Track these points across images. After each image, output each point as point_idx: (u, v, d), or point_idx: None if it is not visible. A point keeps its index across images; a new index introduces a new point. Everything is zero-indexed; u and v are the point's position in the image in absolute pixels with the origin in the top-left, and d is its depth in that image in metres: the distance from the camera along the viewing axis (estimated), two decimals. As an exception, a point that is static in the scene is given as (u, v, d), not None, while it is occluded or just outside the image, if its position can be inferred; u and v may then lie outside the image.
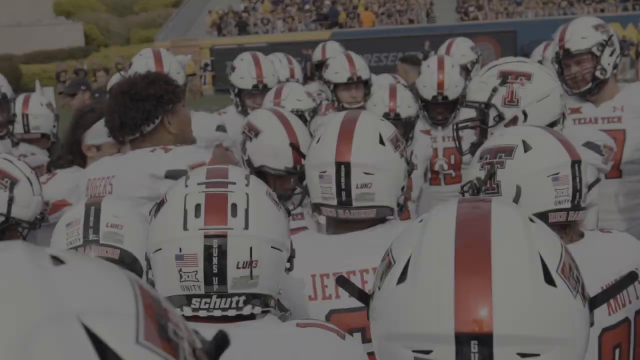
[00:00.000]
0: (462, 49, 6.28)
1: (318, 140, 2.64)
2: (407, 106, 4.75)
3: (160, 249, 1.93)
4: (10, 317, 0.70)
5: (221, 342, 0.87)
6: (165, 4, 49.44)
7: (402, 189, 2.63)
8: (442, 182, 5.25)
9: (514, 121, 3.25)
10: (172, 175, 2.99)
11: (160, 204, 2.00)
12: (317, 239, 2.69)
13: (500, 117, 3.26)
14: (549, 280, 1.32)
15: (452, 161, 5.19)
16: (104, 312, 0.75)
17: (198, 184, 1.96)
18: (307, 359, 1.93)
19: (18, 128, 5.22)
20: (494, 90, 3.27)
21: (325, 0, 38.66)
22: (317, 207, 2.65)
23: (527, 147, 2.35)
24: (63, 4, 49.52)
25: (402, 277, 1.37)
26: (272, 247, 1.95)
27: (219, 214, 1.90)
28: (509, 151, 2.36)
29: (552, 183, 2.30)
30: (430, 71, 5.17)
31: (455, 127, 3.59)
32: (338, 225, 2.62)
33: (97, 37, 46.67)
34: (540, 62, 4.96)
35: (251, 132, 3.53)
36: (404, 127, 4.74)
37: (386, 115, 4.66)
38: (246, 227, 1.90)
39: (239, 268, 1.89)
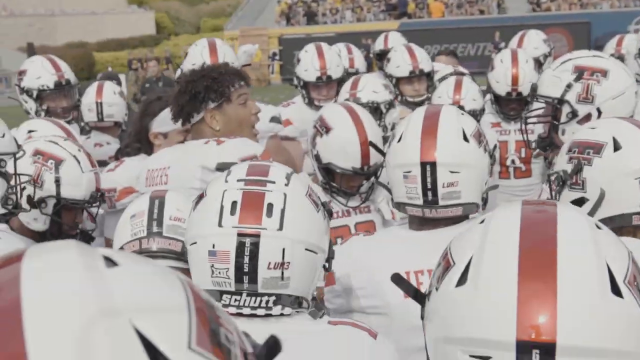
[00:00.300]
0: (534, 42, 6.13)
1: (400, 139, 2.58)
2: (471, 99, 4.67)
3: (195, 243, 1.95)
4: (65, 318, 0.70)
5: (272, 346, 0.86)
6: (235, -6, 49.84)
7: (486, 183, 2.59)
8: (512, 175, 5.15)
9: (587, 118, 3.14)
10: (222, 167, 2.98)
11: (200, 197, 2.01)
12: (407, 236, 2.63)
13: (573, 114, 3.15)
14: (616, 291, 1.25)
15: (523, 154, 5.08)
16: (156, 316, 0.74)
17: (237, 180, 1.96)
18: (337, 356, 1.91)
19: (92, 116, 5.33)
20: (569, 86, 3.15)
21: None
22: (401, 206, 2.61)
23: (617, 146, 2.28)
24: (136, -7, 50.35)
25: (462, 279, 1.32)
26: (306, 249, 1.93)
27: (254, 213, 1.89)
28: (598, 148, 2.30)
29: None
30: (504, 67, 5.04)
31: (524, 120, 3.49)
32: (422, 222, 2.58)
33: (168, 25, 47.41)
34: (613, 55, 4.80)
35: (322, 127, 3.48)
36: None
37: None
38: (280, 228, 1.89)
39: (270, 269, 1.88)
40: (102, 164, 4.38)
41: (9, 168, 2.74)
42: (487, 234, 1.34)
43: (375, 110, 4.32)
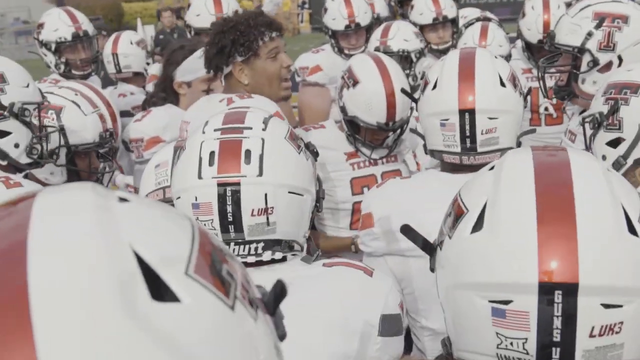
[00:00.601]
0: None
1: (435, 86, 2.54)
2: (498, 45, 4.62)
3: (179, 197, 1.94)
4: (68, 255, 0.72)
5: (279, 291, 0.88)
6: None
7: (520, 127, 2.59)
8: (543, 122, 5.09)
9: (607, 67, 3.09)
10: None
11: (180, 150, 2.00)
12: (445, 178, 2.57)
13: (594, 63, 3.10)
14: (632, 230, 1.26)
15: (554, 101, 5.00)
16: (157, 244, 0.77)
17: (214, 130, 1.95)
18: (332, 297, 1.91)
19: (110, 68, 5.36)
20: (589, 34, 3.08)
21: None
22: (436, 154, 2.58)
23: None
24: (163, -59, 49.99)
25: (478, 225, 1.32)
26: (289, 192, 1.92)
27: (232, 162, 1.88)
28: (635, 88, 2.32)
29: None
30: (536, 13, 4.94)
31: (542, 68, 3.40)
32: (457, 168, 2.54)
33: (196, -26, 47.08)
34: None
35: (350, 79, 3.41)
36: None
37: None
38: (260, 174, 1.88)
39: (254, 215, 1.88)
40: (126, 114, 4.41)
41: (34, 119, 2.76)
42: (501, 180, 1.34)
43: (406, 58, 4.27)
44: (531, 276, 1.22)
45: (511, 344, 1.26)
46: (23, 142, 2.75)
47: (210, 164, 1.89)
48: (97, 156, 3.31)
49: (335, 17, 5.27)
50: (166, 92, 3.83)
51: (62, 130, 3.09)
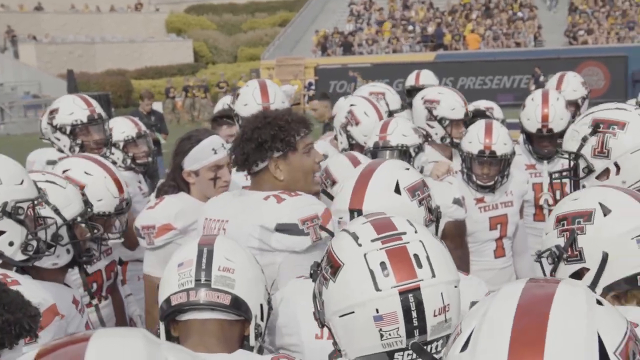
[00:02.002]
0: (573, 84, 6.13)
1: (340, 190, 2.74)
2: (502, 143, 4.64)
3: (352, 312, 1.95)
4: None
5: None
6: (272, 23, 50.32)
7: None
8: (547, 217, 5.13)
9: (605, 174, 3.05)
10: (282, 228, 3.01)
11: (336, 268, 2.01)
12: None
13: (589, 169, 3.08)
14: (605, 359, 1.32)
15: (558, 196, 5.05)
16: None
17: (372, 240, 1.99)
18: None
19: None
20: (584, 139, 3.07)
21: (430, 22, 38.60)
22: None
23: (605, 210, 2.24)
24: (174, 22, 51.05)
25: (465, 346, 1.42)
26: (455, 286, 2.01)
27: (406, 268, 1.94)
28: (587, 216, 2.26)
29: (638, 245, 2.20)
30: (535, 104, 5.10)
31: (550, 177, 3.46)
32: None
33: (205, 54, 47.90)
34: None
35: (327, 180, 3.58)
36: (500, 165, 4.69)
37: (481, 153, 4.63)
38: (433, 275, 1.95)
39: (436, 315, 1.93)
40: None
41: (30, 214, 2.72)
42: (488, 310, 1.44)
43: (405, 153, 4.35)
44: None
45: None
46: (17, 239, 2.72)
47: (385, 274, 1.93)
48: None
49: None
50: (176, 181, 3.90)
51: (57, 211, 3.06)
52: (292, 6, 50.51)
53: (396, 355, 1.93)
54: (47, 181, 3.16)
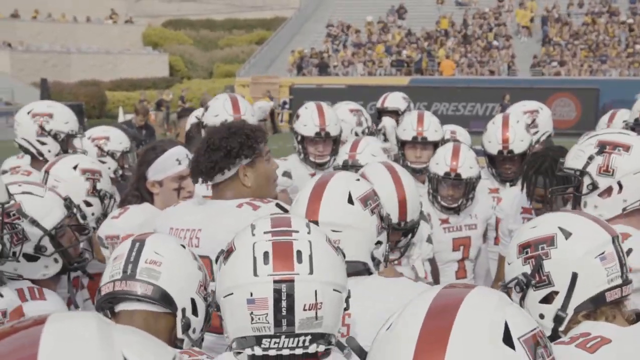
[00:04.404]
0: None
1: (296, 201, 2.84)
2: (468, 167, 4.70)
3: (232, 294, 2.10)
4: None
5: None
6: (249, 41, 50.50)
7: (377, 243, 2.77)
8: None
9: (608, 192, 3.21)
10: None
11: (229, 252, 2.17)
12: None
13: (594, 186, 3.22)
14: (509, 343, 1.50)
15: (522, 222, 5.12)
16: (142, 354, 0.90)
17: (264, 232, 2.14)
18: None
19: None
20: (590, 158, 3.22)
21: (406, 46, 38.91)
22: None
23: (566, 234, 2.31)
24: (151, 35, 51.05)
25: (389, 326, 1.66)
26: (333, 289, 2.13)
27: (286, 261, 2.08)
28: (549, 241, 2.32)
29: (601, 263, 2.28)
30: (495, 127, 5.22)
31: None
32: None
33: (181, 69, 47.91)
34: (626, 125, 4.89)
35: None
36: (465, 188, 4.74)
37: (447, 175, 4.68)
38: (311, 272, 2.09)
39: (305, 310, 2.07)
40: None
41: None
42: (410, 304, 1.67)
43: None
44: None
45: None
46: None
47: (265, 262, 2.08)
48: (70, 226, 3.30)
49: (307, 124, 5.38)
50: (140, 192, 3.90)
51: (35, 222, 3.07)
52: (270, 25, 50.77)
53: (264, 340, 2.06)
54: (23, 192, 3.14)
